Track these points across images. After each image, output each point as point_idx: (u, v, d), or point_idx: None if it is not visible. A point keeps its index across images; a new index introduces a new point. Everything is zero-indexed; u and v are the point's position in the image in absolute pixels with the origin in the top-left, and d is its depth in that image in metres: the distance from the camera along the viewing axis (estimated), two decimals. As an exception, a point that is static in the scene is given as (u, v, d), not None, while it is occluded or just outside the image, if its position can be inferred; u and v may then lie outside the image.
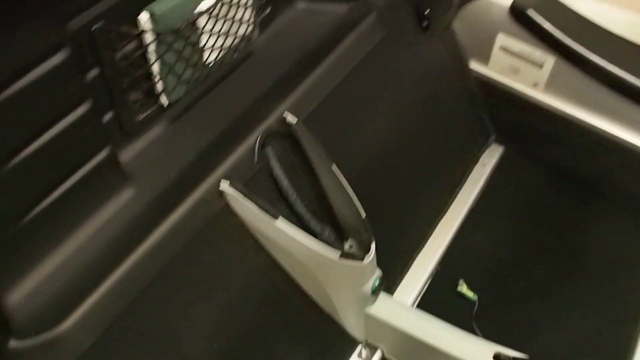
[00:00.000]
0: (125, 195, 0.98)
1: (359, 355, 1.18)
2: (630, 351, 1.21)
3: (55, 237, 0.90)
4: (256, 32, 1.16)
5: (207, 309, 0.99)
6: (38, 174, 0.83)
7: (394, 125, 1.35)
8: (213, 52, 1.08)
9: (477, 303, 1.29)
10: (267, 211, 0.99)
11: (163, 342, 0.94)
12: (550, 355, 1.23)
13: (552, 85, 1.42)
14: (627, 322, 1.27)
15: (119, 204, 0.97)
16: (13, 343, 0.82)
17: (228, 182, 1.00)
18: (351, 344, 1.18)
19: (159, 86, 1.02)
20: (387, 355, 1.19)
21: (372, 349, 1.18)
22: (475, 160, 1.54)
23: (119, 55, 0.93)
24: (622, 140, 1.38)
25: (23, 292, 0.85)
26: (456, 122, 1.52)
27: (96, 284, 0.88)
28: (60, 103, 0.83)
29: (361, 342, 1.19)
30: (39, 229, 0.86)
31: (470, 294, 1.29)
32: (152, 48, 0.97)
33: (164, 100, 1.04)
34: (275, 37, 1.23)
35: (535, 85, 1.44)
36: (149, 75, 1.00)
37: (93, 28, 0.87)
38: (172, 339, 0.95)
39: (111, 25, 0.89)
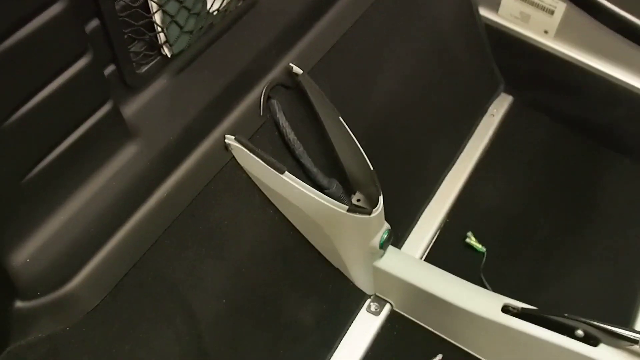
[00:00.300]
0: (130, 151, 0.96)
1: (368, 308, 1.17)
2: (638, 301, 1.21)
3: (60, 195, 0.88)
4: (260, -20, 1.13)
5: (215, 265, 0.99)
6: (39, 131, 0.81)
7: (401, 75, 1.32)
8: (216, 0, 1.05)
9: (485, 255, 1.28)
10: (273, 165, 0.97)
11: (171, 300, 0.93)
12: (558, 305, 1.23)
13: (563, 32, 1.38)
14: (635, 273, 1.27)
15: (123, 160, 0.95)
16: (19, 304, 0.81)
17: (233, 136, 0.98)
18: (360, 298, 1.18)
19: (162, 37, 0.99)
20: (396, 308, 1.18)
21: (381, 303, 1.18)
22: (483, 111, 1.51)
23: (119, 5, 0.90)
24: (634, 88, 1.35)
25: (28, 251, 0.83)
26: (464, 71, 1.49)
27: (102, 242, 0.87)
28: (59, 56, 0.80)
29: (370, 296, 1.19)
30: (43, 187, 0.84)
31: (478, 246, 1.28)
32: (153, -3, 0.94)
33: (166, 51, 1.01)
34: (280, -16, 1.19)
35: (545, 32, 1.40)
36: (151, 25, 0.97)
37: (91, -24, 0.84)
38: (180, 297, 0.94)
39: (109, -27, 0.86)
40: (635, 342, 0.91)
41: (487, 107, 1.52)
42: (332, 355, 1.12)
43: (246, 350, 1.02)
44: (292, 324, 1.09)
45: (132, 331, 0.89)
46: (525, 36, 1.43)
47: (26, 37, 0.74)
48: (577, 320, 0.96)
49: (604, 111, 1.44)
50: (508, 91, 1.56)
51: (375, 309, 1.17)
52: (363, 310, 1.17)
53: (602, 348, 0.96)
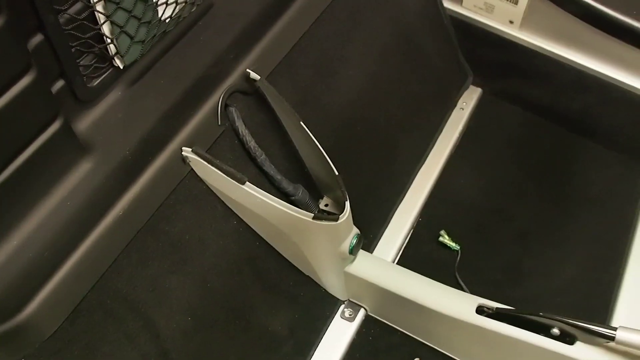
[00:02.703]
0: (83, 168, 0.92)
1: (342, 314, 1.15)
2: (615, 291, 1.20)
3: (10, 219, 0.84)
4: (215, -18, 1.09)
5: (179, 281, 0.96)
6: (-17, 154, 0.78)
7: (364, 74, 1.29)
8: (168, 7, 1.01)
9: (459, 253, 1.26)
10: (233, 176, 0.94)
11: (133, 320, 0.90)
12: (536, 299, 1.21)
13: (528, 22, 1.36)
14: (612, 262, 1.25)
15: (77, 178, 0.91)
16: (-31, 339, 0.78)
17: (190, 148, 0.95)
18: (333, 304, 1.15)
19: (112, 49, 0.95)
20: (370, 312, 1.16)
21: (355, 308, 1.16)
22: (453, 105, 1.49)
23: (64, 17, 0.86)
24: (602, 75, 1.34)
25: None
26: (431, 65, 1.46)
27: (57, 265, 0.84)
28: None
29: (344, 302, 1.16)
30: (-8, 211, 0.81)
31: (452, 244, 1.26)
32: (99, 7, 0.90)
33: (118, 63, 0.97)
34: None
35: (511, 22, 1.38)
36: (100, 37, 0.93)
37: (30, -11, 0.80)
38: (143, 316, 0.91)
39: (50, -16, 0.82)
40: (611, 338, 0.89)
41: (457, 101, 1.50)
42: (307, 363, 1.10)
43: (217, 366, 0.99)
44: (264, 335, 1.06)
45: (93, 356, 0.86)
46: (491, 27, 1.41)
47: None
48: (552, 319, 0.94)
49: (574, 99, 1.42)
50: (477, 83, 1.54)
51: (350, 315, 1.15)
52: (337, 316, 1.15)
53: (579, 346, 0.94)
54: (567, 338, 0.94)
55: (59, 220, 0.87)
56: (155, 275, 0.93)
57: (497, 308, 1.00)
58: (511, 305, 1.00)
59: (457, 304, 1.03)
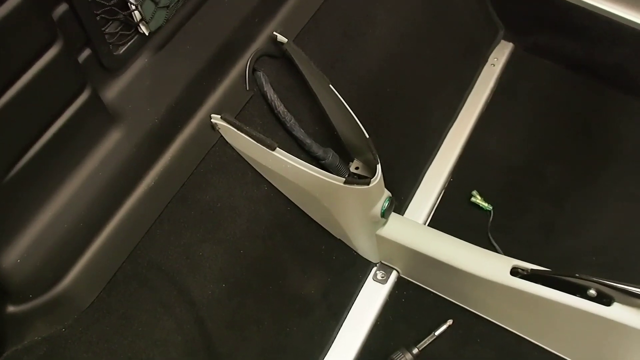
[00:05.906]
0: (113, 137, 0.92)
1: (374, 277, 1.15)
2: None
3: (45, 191, 0.85)
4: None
5: (212, 248, 0.96)
6: (15, 128, 0.77)
7: (393, 30, 1.26)
8: (192, -30, 1.00)
9: (492, 213, 1.24)
10: (263, 142, 0.93)
11: (168, 289, 0.91)
12: (571, 259, 1.20)
13: (563, -29, 1.32)
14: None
15: (107, 148, 0.91)
16: (11, 309, 0.79)
17: (219, 115, 0.94)
18: (365, 266, 1.15)
19: (137, 15, 0.94)
20: (402, 275, 1.16)
21: (387, 270, 1.15)
22: (483, 60, 1.45)
23: (87, -15, 0.85)
24: (639, 26, 1.29)
25: (16, 253, 0.80)
26: (461, 19, 1.42)
27: (92, 236, 0.85)
28: (26, 48, 0.76)
29: (376, 264, 1.16)
30: (26, 184, 0.81)
31: (484, 204, 1.24)
32: (123, -27, 0.88)
33: (143, 29, 0.96)
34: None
35: (544, -28, 1.34)
36: (125, 4, 0.92)
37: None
38: (178, 285, 0.92)
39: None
40: (650, 300, 0.88)
41: (487, 56, 1.46)
42: (340, 325, 1.10)
43: (252, 330, 1.00)
44: (297, 299, 1.06)
45: (130, 325, 0.87)
46: (523, -22, 1.37)
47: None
48: (589, 280, 0.93)
49: (609, 52, 1.38)
50: (508, 38, 1.49)
51: (382, 277, 1.15)
52: (369, 278, 1.15)
53: (616, 307, 0.93)
54: (604, 299, 0.93)
55: (91, 191, 0.88)
56: (188, 243, 0.94)
57: (532, 269, 0.99)
58: (545, 265, 0.99)
59: (491, 266, 1.02)
